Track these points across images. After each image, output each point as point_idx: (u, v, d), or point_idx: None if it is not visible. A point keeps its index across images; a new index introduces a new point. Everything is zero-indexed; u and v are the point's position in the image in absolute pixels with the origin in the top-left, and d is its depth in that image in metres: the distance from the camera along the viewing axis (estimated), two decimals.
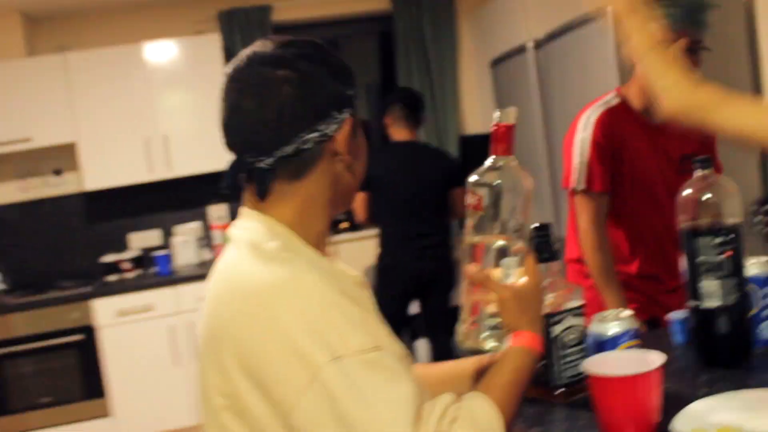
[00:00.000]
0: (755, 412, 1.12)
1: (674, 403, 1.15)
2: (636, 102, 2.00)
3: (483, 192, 1.09)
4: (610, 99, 2.05)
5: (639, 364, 1.08)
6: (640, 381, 1.03)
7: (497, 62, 3.66)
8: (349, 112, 1.03)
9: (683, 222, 1.38)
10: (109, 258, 4.36)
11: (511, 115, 1.09)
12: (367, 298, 1.06)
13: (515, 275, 1.09)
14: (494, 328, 1.10)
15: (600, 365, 1.08)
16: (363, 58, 5.20)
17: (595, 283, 2.03)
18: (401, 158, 3.53)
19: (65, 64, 4.11)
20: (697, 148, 1.97)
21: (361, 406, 0.87)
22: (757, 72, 2.76)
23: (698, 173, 1.38)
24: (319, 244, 1.06)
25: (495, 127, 1.10)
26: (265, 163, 1.00)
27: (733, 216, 1.36)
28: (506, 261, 1.10)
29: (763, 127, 0.98)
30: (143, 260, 4.45)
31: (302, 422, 0.88)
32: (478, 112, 4.88)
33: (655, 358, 1.07)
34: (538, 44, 3.19)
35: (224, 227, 4.19)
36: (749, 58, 2.74)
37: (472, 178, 1.11)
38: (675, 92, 0.92)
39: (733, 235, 1.34)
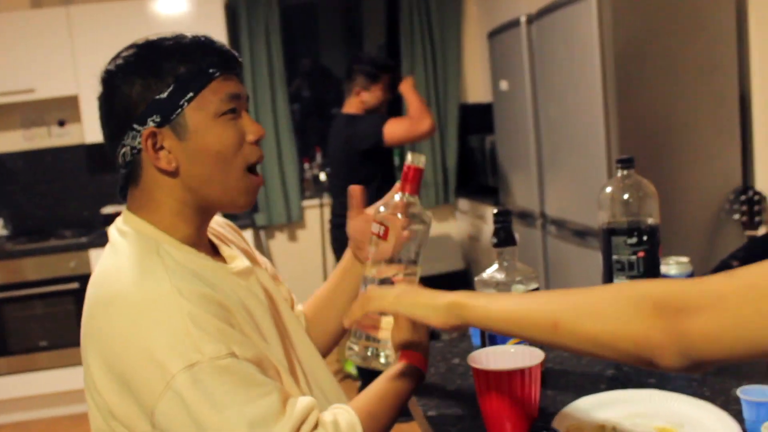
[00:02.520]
0: (640, 411, 1.16)
1: (576, 396, 1.20)
2: None
3: (416, 228, 1.16)
4: None
5: (519, 360, 1.13)
6: (516, 376, 1.07)
7: (494, 34, 3.64)
8: (153, 121, 1.03)
9: (602, 220, 1.41)
10: (109, 209, 4.45)
11: (421, 160, 1.16)
12: (243, 290, 1.11)
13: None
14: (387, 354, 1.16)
15: (483, 358, 1.13)
16: (374, 17, 5.18)
17: None
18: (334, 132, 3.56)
19: (69, 16, 4.16)
20: None
21: (213, 411, 0.92)
22: (745, 62, 2.73)
23: (619, 173, 1.40)
24: (195, 244, 1.10)
25: (406, 169, 1.17)
26: (120, 173, 1.09)
27: (650, 216, 1.38)
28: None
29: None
30: None
31: (162, 423, 0.95)
32: (480, 81, 4.86)
33: (534, 356, 1.12)
34: (530, 19, 3.17)
35: None
36: (737, 47, 2.71)
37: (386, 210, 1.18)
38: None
39: (646, 236, 1.36)
